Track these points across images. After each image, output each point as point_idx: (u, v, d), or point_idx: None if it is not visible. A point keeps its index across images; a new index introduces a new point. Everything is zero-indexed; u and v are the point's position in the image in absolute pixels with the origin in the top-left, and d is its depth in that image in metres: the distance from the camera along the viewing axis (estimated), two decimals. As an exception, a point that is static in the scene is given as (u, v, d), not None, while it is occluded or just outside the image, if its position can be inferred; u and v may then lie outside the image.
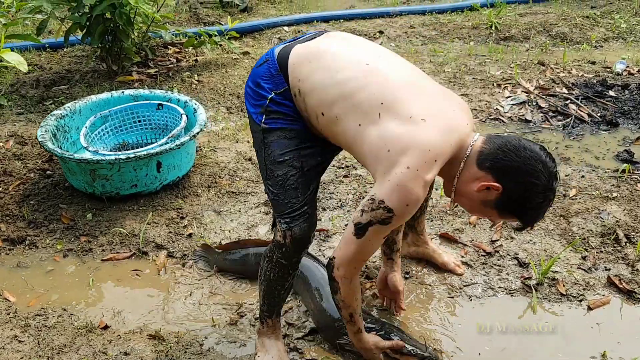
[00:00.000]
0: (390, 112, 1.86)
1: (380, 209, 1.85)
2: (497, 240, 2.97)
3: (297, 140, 2.04)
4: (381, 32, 6.22)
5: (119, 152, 3.21)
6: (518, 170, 1.84)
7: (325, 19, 6.62)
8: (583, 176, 3.45)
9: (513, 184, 1.84)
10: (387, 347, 2.23)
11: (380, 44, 5.89)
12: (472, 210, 2.06)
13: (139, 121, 3.71)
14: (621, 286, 2.64)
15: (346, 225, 2.03)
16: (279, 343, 2.32)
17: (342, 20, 6.62)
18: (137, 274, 2.85)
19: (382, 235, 1.94)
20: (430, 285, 2.72)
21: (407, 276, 2.75)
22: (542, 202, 1.87)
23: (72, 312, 2.59)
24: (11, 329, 2.45)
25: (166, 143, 3.25)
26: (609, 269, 2.76)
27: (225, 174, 3.57)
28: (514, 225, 2.05)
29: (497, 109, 4.34)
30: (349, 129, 1.91)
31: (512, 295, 2.66)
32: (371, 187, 2.30)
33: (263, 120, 2.04)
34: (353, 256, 1.96)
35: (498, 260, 2.85)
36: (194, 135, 3.28)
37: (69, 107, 3.60)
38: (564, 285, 2.67)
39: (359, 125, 1.89)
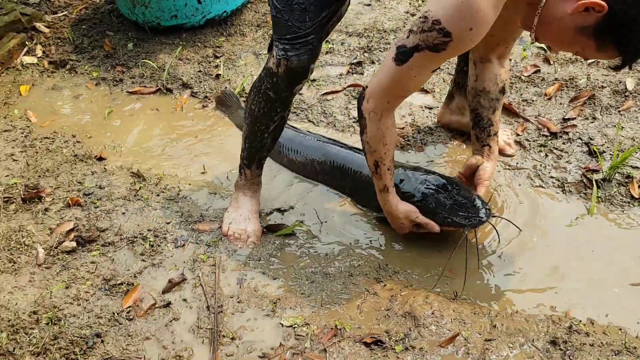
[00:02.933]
0: None
1: (434, 31, 1.43)
2: (573, 119, 2.27)
3: None
4: None
5: (153, -24, 2.93)
6: None
7: None
8: None
9: (622, 2, 1.33)
10: (420, 223, 1.82)
11: None
12: (561, 42, 1.50)
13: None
14: None
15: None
16: (254, 202, 2.04)
17: None
18: (157, 109, 2.68)
19: (429, 66, 1.52)
20: (459, 161, 2.19)
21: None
22: None
23: (78, 139, 2.52)
24: (12, 147, 2.45)
25: (206, -32, 2.89)
26: None
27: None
28: (613, 63, 1.52)
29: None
30: None
31: (563, 191, 2.05)
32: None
33: None
34: (387, 87, 1.58)
35: (563, 144, 2.20)
36: (239, -37, 2.88)
37: None
38: (639, 187, 1.99)
39: None
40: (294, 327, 1.68)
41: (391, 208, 1.82)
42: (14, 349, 1.63)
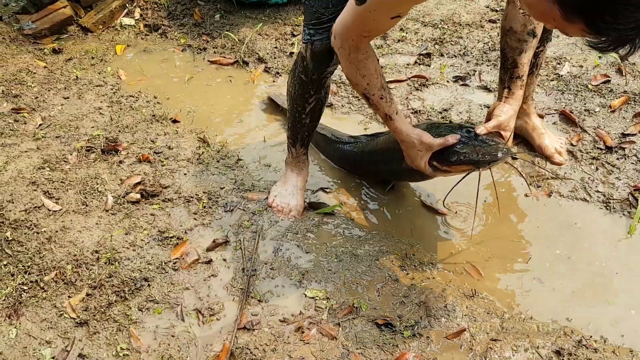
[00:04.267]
0: None
1: None
2: (633, 135, 2.23)
3: None
4: None
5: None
6: None
7: None
8: None
9: None
10: (436, 145, 1.70)
11: None
12: (529, 6, 1.19)
13: None
14: None
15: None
16: (300, 178, 2.18)
17: None
18: (230, 80, 2.88)
19: (385, 11, 1.51)
20: (507, 162, 2.22)
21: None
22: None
23: (159, 100, 2.77)
24: (101, 102, 2.73)
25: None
26: None
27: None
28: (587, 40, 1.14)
29: None
30: None
31: (606, 207, 2.04)
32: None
33: None
34: (349, 26, 1.59)
35: (617, 159, 2.17)
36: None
37: None
38: (685, 213, 1.95)
39: None
40: (315, 299, 1.82)
41: (402, 135, 1.75)
42: (76, 280, 1.89)
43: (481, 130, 1.71)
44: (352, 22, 1.57)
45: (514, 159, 1.70)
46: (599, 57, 2.60)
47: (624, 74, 2.50)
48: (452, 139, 1.69)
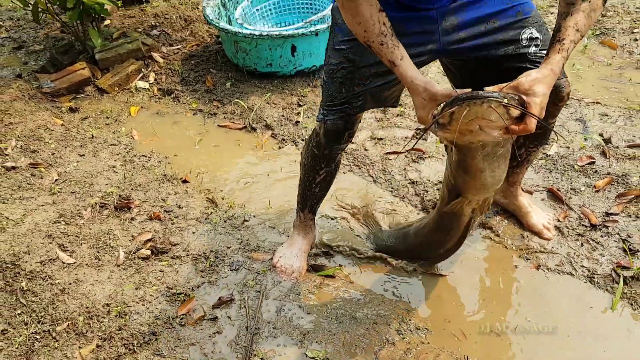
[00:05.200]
0: None
1: None
2: (616, 214, 2.39)
3: None
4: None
5: (256, 29, 3.33)
6: None
7: None
8: None
9: None
10: (439, 95, 1.55)
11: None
12: None
13: (308, 4, 3.75)
14: None
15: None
16: (305, 242, 2.31)
17: None
18: (239, 144, 3.04)
19: None
20: (499, 235, 2.36)
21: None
22: None
23: (170, 161, 2.92)
24: (115, 160, 2.88)
25: (303, 27, 3.25)
26: None
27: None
28: None
29: None
30: None
31: (590, 281, 2.17)
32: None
33: None
34: None
35: (601, 236, 2.32)
36: (333, 25, 3.22)
37: (246, -20, 3.80)
38: (664, 290, 2.08)
39: None
40: None
41: (407, 81, 1.63)
42: (87, 331, 1.98)
43: (490, 88, 1.53)
44: None
45: (507, 106, 1.44)
46: (585, 139, 2.80)
47: (607, 156, 2.68)
48: (457, 92, 1.51)
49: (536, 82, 1.50)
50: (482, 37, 1.80)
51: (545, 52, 1.74)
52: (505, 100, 1.43)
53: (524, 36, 1.82)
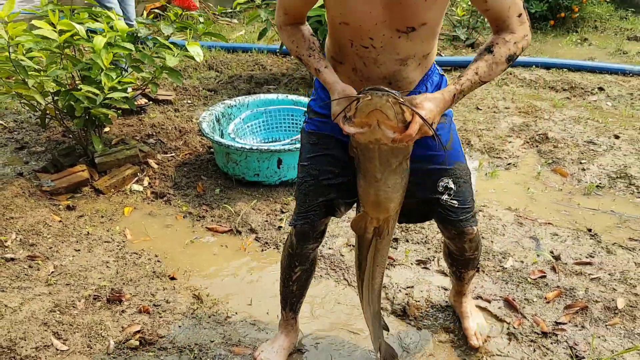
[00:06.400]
0: None
1: None
2: (564, 323, 2.66)
3: (319, 147, 2.14)
4: (601, 89, 5.70)
5: (246, 143, 3.70)
6: None
7: (547, 66, 6.32)
8: None
9: None
10: (352, 93, 1.79)
11: (594, 101, 5.44)
12: None
13: (294, 123, 4.17)
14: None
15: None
16: (287, 340, 2.49)
17: (565, 70, 6.22)
18: (225, 246, 3.29)
19: None
20: (456, 335, 2.59)
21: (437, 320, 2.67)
22: None
23: (160, 259, 3.14)
24: (108, 256, 3.10)
25: (289, 144, 3.63)
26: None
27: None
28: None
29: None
30: None
31: (542, 383, 2.40)
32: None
33: (304, 120, 2.25)
34: (277, 10, 2.02)
35: (551, 344, 2.57)
36: (315, 143, 3.61)
37: (239, 99, 4.24)
38: (606, 394, 2.31)
39: None
40: None
41: (328, 85, 1.89)
42: (76, 415, 2.11)
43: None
44: (277, 6, 2.03)
45: (402, 104, 1.65)
46: (537, 255, 3.12)
47: (557, 271, 2.99)
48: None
49: (426, 100, 1.74)
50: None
51: (455, 201, 2.12)
52: (402, 100, 1.64)
53: (441, 184, 2.12)
